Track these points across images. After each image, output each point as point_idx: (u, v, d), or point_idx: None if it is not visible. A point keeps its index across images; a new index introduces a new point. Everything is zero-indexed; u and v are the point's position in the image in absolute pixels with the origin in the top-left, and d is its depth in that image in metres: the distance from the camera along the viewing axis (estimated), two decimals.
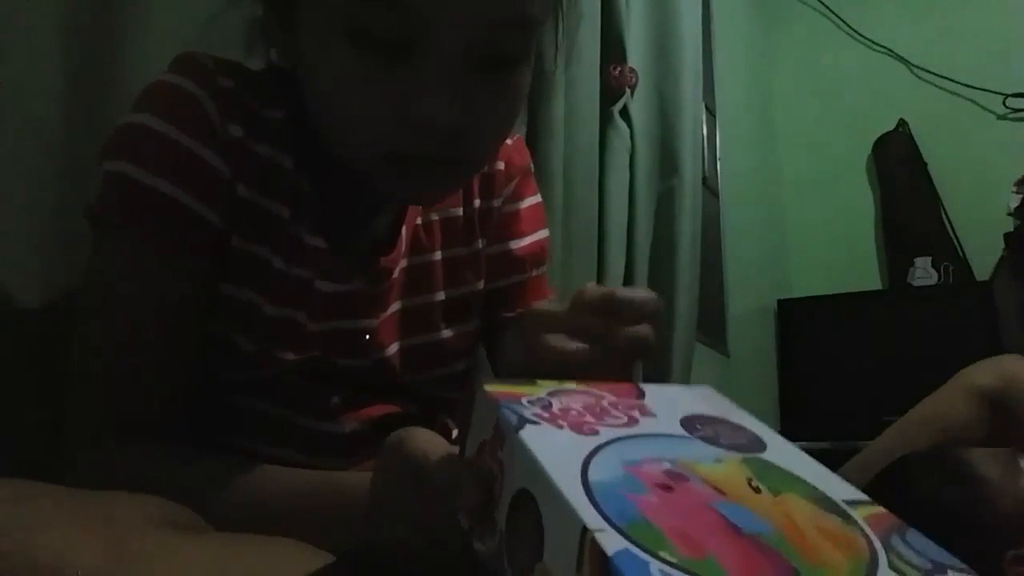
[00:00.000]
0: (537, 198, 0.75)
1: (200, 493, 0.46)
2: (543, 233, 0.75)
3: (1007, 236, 2.48)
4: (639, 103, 1.64)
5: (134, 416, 0.54)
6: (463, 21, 0.48)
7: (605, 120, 1.53)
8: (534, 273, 0.74)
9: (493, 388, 0.37)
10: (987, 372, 1.23)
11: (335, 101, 0.52)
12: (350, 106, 0.51)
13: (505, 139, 0.58)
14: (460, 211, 0.69)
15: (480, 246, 0.70)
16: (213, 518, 0.43)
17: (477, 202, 0.70)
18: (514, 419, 0.34)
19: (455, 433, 0.77)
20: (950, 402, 1.26)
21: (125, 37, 0.74)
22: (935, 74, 2.77)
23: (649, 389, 0.40)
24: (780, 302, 2.71)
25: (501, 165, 0.71)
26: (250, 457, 0.53)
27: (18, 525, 0.33)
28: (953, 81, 2.73)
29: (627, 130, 1.58)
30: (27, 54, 0.67)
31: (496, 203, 0.71)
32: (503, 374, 0.72)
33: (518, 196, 0.73)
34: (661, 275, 1.70)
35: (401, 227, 0.65)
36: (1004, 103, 2.65)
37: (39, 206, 0.68)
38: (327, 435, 0.63)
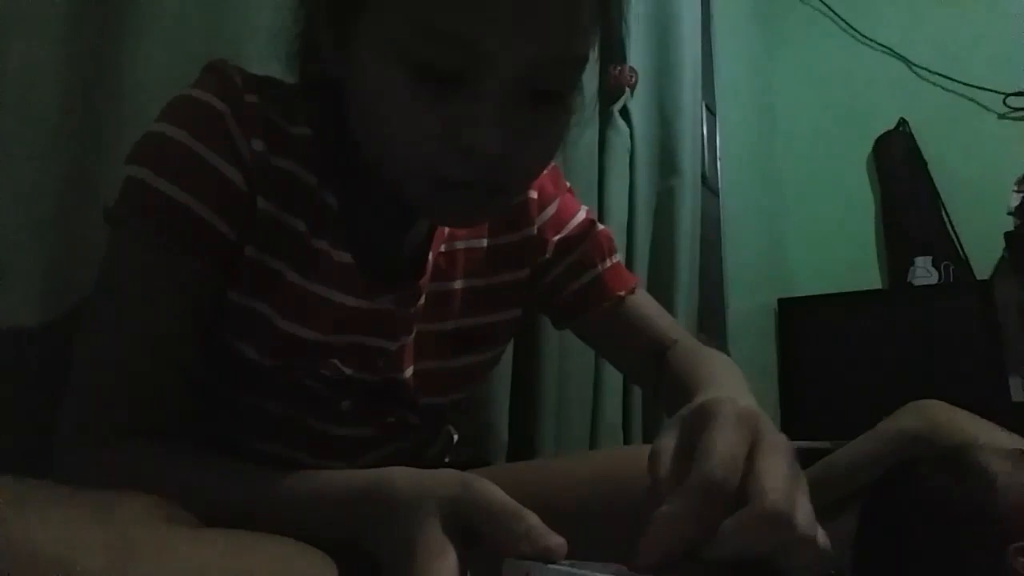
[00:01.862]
0: (566, 197, 0.76)
1: (189, 493, 0.46)
2: (581, 215, 0.76)
3: (1007, 236, 2.47)
4: (639, 103, 1.64)
5: (130, 417, 0.54)
6: (521, 58, 0.49)
7: (605, 120, 1.53)
8: (606, 264, 0.75)
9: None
10: (910, 416, 1.39)
11: (385, 124, 0.52)
12: (400, 130, 0.51)
13: (546, 167, 0.59)
14: (484, 242, 0.70)
15: (514, 277, 0.71)
16: (203, 516, 0.44)
17: (507, 235, 0.71)
18: (542, 563, 0.39)
19: (456, 437, 0.78)
20: (866, 443, 1.43)
21: (125, 37, 0.74)
22: (935, 74, 2.77)
23: None
24: (780, 302, 2.71)
25: (534, 194, 0.72)
26: (254, 456, 0.54)
27: (20, 523, 0.33)
28: (953, 81, 2.73)
29: (627, 130, 1.58)
30: (27, 54, 0.67)
31: (532, 231, 0.72)
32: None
33: (556, 210, 0.74)
34: (661, 275, 1.70)
35: (429, 251, 0.65)
36: (1004, 103, 2.65)
37: (39, 206, 0.68)
38: (335, 438, 0.63)
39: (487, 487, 0.43)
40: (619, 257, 0.77)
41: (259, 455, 0.61)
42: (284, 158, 0.58)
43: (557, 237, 0.74)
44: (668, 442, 0.43)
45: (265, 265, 0.58)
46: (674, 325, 0.78)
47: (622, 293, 0.75)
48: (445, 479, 0.44)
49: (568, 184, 0.77)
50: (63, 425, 0.55)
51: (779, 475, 0.39)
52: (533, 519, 0.41)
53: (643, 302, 0.77)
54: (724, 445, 0.40)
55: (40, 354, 0.66)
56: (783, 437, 0.42)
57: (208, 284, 0.57)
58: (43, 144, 0.68)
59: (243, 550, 0.40)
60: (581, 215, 0.76)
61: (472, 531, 0.42)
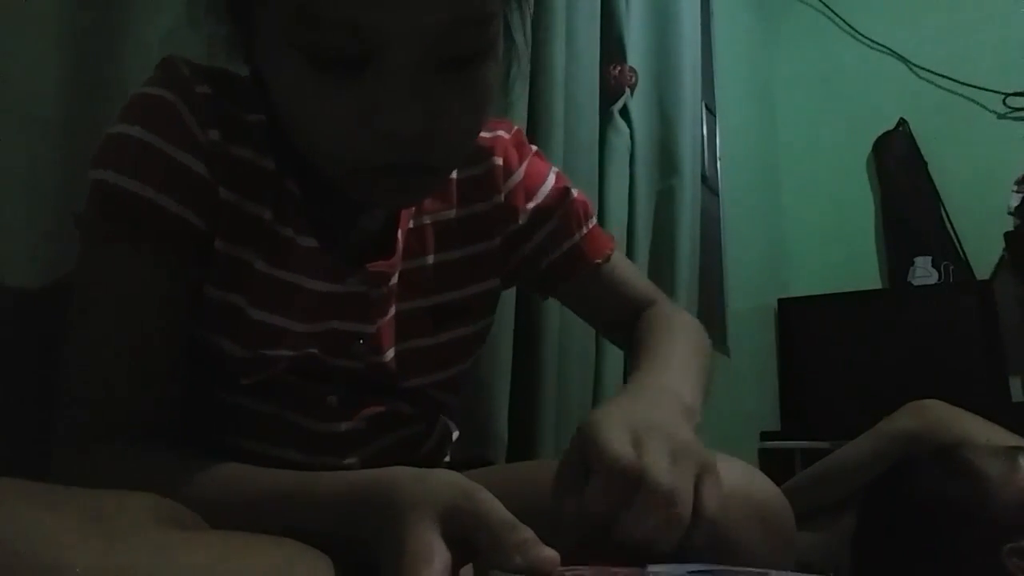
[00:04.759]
0: (533, 161, 0.74)
1: (184, 493, 0.46)
2: (551, 179, 0.74)
3: (1007, 236, 2.48)
4: (639, 103, 1.64)
5: (122, 418, 0.54)
6: (416, 29, 0.47)
7: (605, 120, 1.53)
8: (583, 232, 0.74)
9: None
10: (909, 416, 1.39)
11: (297, 118, 0.52)
12: (313, 122, 0.51)
13: (477, 134, 0.57)
14: (453, 213, 0.68)
15: (485, 247, 0.70)
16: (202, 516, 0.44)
17: (476, 205, 0.69)
18: None
19: (456, 435, 0.77)
20: (865, 443, 1.44)
21: (124, 37, 0.74)
22: (935, 73, 2.77)
23: (656, 567, 0.44)
24: (780, 302, 2.71)
25: (499, 161, 0.70)
26: (245, 456, 0.53)
27: (16, 524, 0.33)
28: (953, 80, 2.73)
29: (627, 130, 1.58)
30: (27, 54, 0.67)
31: (499, 199, 0.70)
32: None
33: (523, 175, 0.73)
34: (661, 275, 1.70)
35: (396, 230, 0.65)
36: (1004, 102, 2.65)
37: (39, 206, 0.68)
38: (323, 434, 0.63)
39: (486, 497, 0.43)
40: (595, 220, 0.77)
41: (249, 455, 0.60)
42: (241, 147, 0.58)
43: (531, 205, 0.72)
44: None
45: (234, 256, 0.58)
46: (650, 286, 0.80)
47: (599, 261, 0.75)
48: (446, 484, 0.43)
49: (535, 147, 0.75)
50: (59, 427, 0.55)
51: (618, 445, 0.45)
52: (527, 532, 0.41)
53: (620, 265, 0.78)
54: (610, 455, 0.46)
55: (40, 354, 0.66)
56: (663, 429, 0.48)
57: (184, 277, 0.57)
58: (43, 144, 0.68)
59: (241, 551, 0.40)
60: (551, 180, 0.74)
61: (470, 540, 0.42)
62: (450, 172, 0.62)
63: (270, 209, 0.59)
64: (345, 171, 0.53)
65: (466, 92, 0.51)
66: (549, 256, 0.74)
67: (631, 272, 0.80)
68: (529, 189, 0.72)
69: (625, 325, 0.76)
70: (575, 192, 0.75)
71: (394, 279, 0.64)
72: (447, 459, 0.77)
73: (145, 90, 0.57)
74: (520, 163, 0.72)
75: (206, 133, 0.56)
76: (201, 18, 0.56)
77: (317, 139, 0.52)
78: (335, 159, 0.53)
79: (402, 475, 0.45)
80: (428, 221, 0.67)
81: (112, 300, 0.55)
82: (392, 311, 0.65)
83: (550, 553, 0.41)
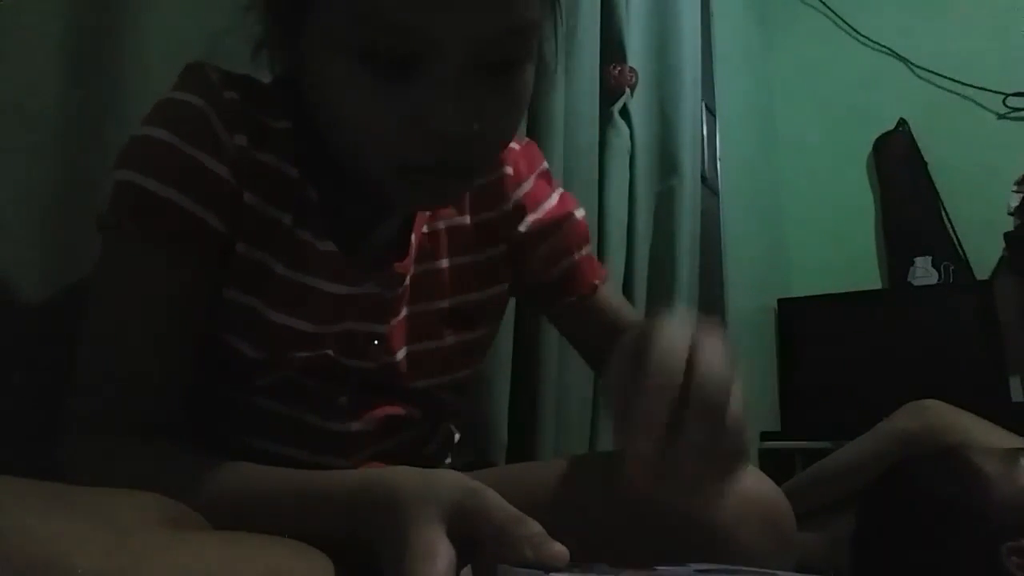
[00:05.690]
0: (542, 175, 0.75)
1: (188, 491, 0.47)
2: (555, 198, 0.75)
3: (1007, 236, 2.48)
4: (639, 103, 1.64)
5: (131, 415, 0.55)
6: (469, 35, 0.49)
7: (605, 120, 1.53)
8: (582, 253, 0.75)
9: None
10: (909, 416, 1.40)
11: (345, 117, 0.53)
12: (360, 122, 0.52)
13: (513, 135, 0.59)
14: (468, 219, 0.70)
15: (494, 253, 0.71)
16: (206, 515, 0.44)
17: (487, 212, 0.71)
18: (543, 572, 0.39)
19: (457, 437, 0.78)
20: (865, 443, 1.44)
21: (125, 37, 0.74)
22: (935, 74, 2.77)
23: (663, 568, 0.44)
24: (780, 302, 2.71)
25: (509, 170, 0.72)
26: (253, 455, 0.54)
27: (19, 523, 0.33)
28: (953, 81, 2.73)
29: (627, 130, 1.58)
30: (27, 54, 0.67)
31: (507, 207, 0.71)
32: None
33: (531, 187, 0.73)
34: (661, 275, 1.70)
35: (411, 233, 0.66)
36: (1004, 103, 2.65)
37: (39, 205, 0.68)
38: (333, 434, 0.63)
39: (490, 495, 0.43)
40: (590, 249, 0.77)
41: (257, 454, 0.61)
42: (266, 152, 0.59)
43: (533, 217, 0.73)
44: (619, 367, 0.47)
45: (255, 259, 0.59)
46: (639, 317, 0.79)
47: (596, 282, 0.75)
48: (449, 483, 0.44)
49: (545, 165, 0.76)
50: (69, 422, 0.55)
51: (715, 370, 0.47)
52: (536, 526, 0.42)
53: (613, 293, 0.78)
54: (667, 343, 0.47)
55: (42, 354, 0.66)
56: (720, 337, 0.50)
57: (204, 280, 0.57)
58: (43, 144, 0.68)
59: (242, 551, 0.40)
60: (555, 198, 0.75)
61: (473, 539, 0.42)
62: (484, 171, 0.64)
63: (291, 214, 0.60)
64: (389, 170, 0.54)
65: (506, 96, 0.54)
66: (548, 272, 0.74)
67: (623, 302, 0.79)
68: (534, 202, 0.73)
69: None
70: (579, 214, 0.76)
71: (406, 280, 0.65)
72: (448, 461, 0.78)
73: (173, 96, 0.58)
74: (529, 174, 0.73)
75: (233, 138, 0.57)
76: (244, 18, 0.57)
77: (364, 138, 0.53)
78: (381, 158, 0.54)
79: (406, 474, 0.45)
80: (443, 226, 0.68)
81: (129, 298, 0.56)
82: (404, 312, 0.66)
83: (560, 548, 0.41)
